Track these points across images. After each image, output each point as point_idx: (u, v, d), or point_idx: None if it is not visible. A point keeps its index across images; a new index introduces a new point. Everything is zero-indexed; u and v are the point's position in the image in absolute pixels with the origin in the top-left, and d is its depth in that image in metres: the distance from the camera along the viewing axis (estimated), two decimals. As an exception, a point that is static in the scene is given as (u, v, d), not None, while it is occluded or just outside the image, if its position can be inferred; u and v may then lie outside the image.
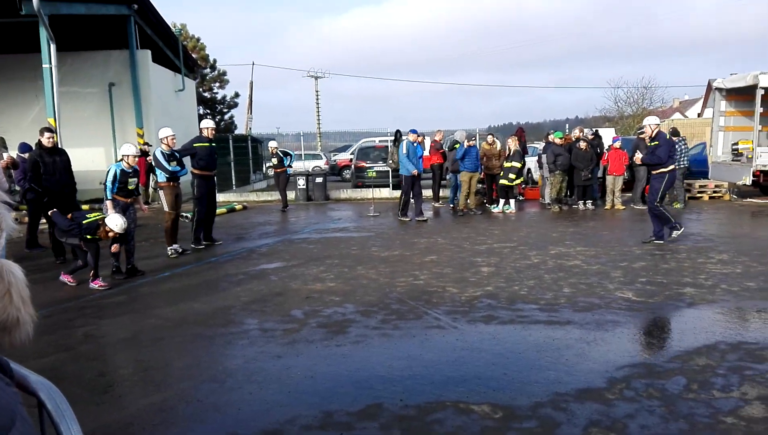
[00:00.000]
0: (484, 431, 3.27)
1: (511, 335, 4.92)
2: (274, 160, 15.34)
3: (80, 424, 1.27)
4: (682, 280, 6.60)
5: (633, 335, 4.81)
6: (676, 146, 13.48)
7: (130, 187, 7.69)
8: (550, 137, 14.18)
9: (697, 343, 4.57)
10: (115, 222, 6.85)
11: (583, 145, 13.35)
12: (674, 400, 3.58)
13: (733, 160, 15.30)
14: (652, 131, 8.94)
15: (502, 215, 12.96)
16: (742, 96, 15.06)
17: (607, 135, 16.89)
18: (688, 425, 3.26)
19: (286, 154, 15.67)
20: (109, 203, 7.50)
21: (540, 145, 17.36)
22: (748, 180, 14.05)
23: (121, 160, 7.70)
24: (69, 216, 7.07)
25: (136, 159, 7.88)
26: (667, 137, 9.04)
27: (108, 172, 7.61)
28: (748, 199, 14.80)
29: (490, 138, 14.46)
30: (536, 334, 4.90)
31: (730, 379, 3.88)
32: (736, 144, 15.28)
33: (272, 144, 15.74)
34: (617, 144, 13.63)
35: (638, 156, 9.64)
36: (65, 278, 7.21)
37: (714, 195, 15.27)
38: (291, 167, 16.06)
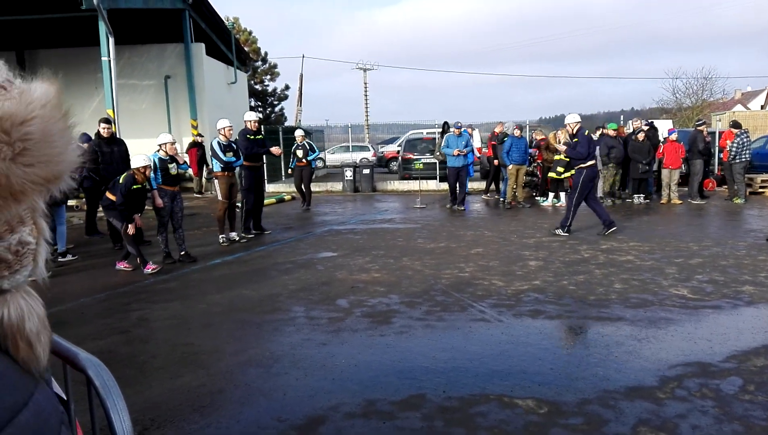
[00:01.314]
0: (528, 426, 3.22)
1: (559, 330, 4.82)
2: (300, 152, 13.84)
3: (133, 404, 1.32)
4: (741, 277, 6.32)
5: (687, 334, 4.64)
6: (738, 139, 12.91)
7: (172, 173, 7.88)
8: (603, 129, 13.79)
9: (755, 344, 4.37)
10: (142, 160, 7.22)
11: (640, 136, 12.92)
12: (729, 401, 3.43)
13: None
14: (572, 129, 9.30)
15: (551, 209, 12.71)
16: (811, 86, 14.25)
17: (663, 127, 16.29)
18: (743, 427, 3.13)
19: (312, 148, 14.20)
20: (155, 193, 7.71)
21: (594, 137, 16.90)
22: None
23: (158, 150, 7.87)
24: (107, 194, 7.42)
25: (174, 146, 8.05)
26: (586, 133, 9.31)
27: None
28: (816, 195, 14.03)
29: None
30: (585, 330, 4.80)
31: (791, 381, 3.70)
32: (804, 136, 14.50)
33: (299, 133, 14.24)
34: (674, 136, 13.14)
35: (561, 147, 10.07)
36: (120, 265, 7.49)
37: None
38: (316, 163, 15.33)
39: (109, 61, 13.28)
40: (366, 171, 18.05)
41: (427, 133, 20.98)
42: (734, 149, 13.02)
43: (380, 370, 4.09)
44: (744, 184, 13.26)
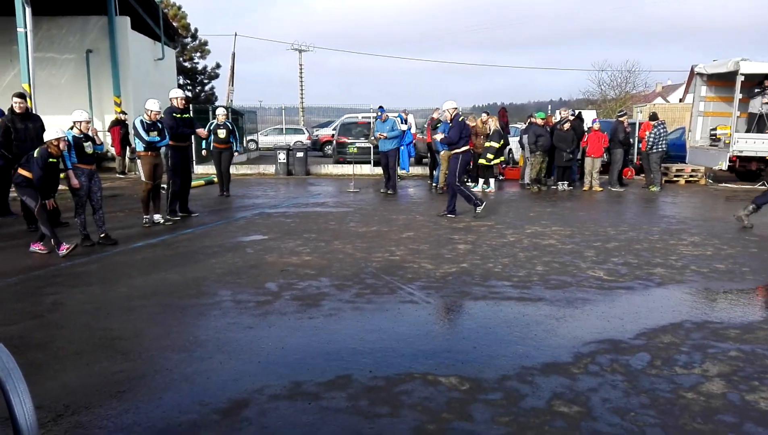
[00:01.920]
0: (451, 402, 3.31)
1: (483, 311, 4.96)
2: (221, 133, 12.49)
3: (46, 390, 1.26)
4: (653, 260, 6.71)
5: (601, 313, 4.89)
6: (656, 130, 13.62)
7: (87, 152, 7.49)
8: (532, 118, 14.22)
9: (663, 322, 4.66)
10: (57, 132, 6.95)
11: (566, 126, 13.40)
12: (637, 376, 3.65)
13: (710, 145, 15.52)
14: (451, 115, 9.81)
15: (481, 194, 13.01)
16: (722, 82, 15.22)
17: (589, 117, 16.98)
18: (649, 399, 3.33)
19: (234, 131, 12.98)
20: (70, 173, 7.33)
21: (522, 126, 17.41)
22: (724, 165, 14.28)
23: (72, 127, 7.45)
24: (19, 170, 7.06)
25: (89, 124, 7.66)
26: (460, 120, 9.83)
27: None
28: (724, 184, 15.05)
29: (484, 116, 14.45)
30: (507, 310, 4.96)
31: (693, 356, 3.97)
32: (715, 129, 15.49)
33: (221, 111, 12.87)
34: (596, 126, 13.71)
35: (438, 136, 10.63)
36: (35, 247, 7.11)
37: (690, 179, 15.49)
38: (238, 152, 14.50)
39: (26, 32, 12.46)
40: (300, 154, 17.86)
41: (363, 117, 20.97)
42: (651, 140, 13.75)
43: (308, 352, 4.08)
44: (660, 173, 14.03)
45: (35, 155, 6.90)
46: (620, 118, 14.37)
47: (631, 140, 15.56)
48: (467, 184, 9.83)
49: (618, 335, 4.36)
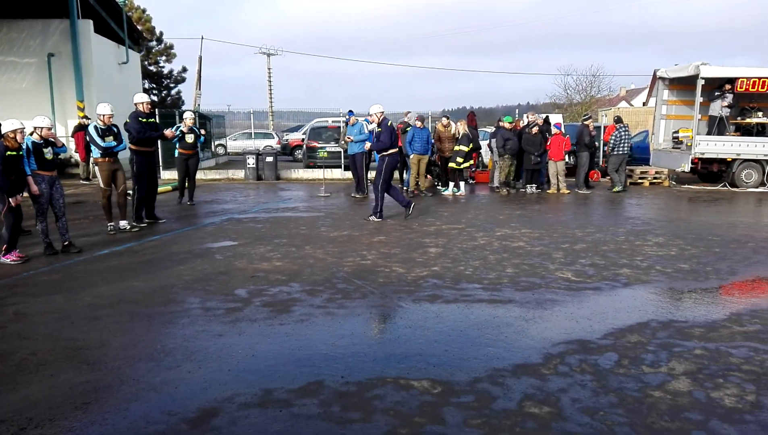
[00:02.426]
0: (423, 406, 3.31)
1: (454, 314, 4.98)
2: (190, 139, 11.78)
3: (8, 403, 1.21)
4: (620, 261, 6.83)
5: (570, 313, 4.95)
6: (617, 132, 13.92)
7: (47, 157, 7.27)
8: (500, 122, 14.38)
9: (630, 321, 4.74)
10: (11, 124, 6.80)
11: (534, 130, 13.58)
12: (605, 375, 3.71)
13: (673, 148, 15.93)
14: (378, 119, 9.94)
15: (451, 198, 13.09)
16: (683, 85, 15.64)
17: (555, 121, 17.25)
18: (617, 398, 3.39)
19: (198, 135, 12.14)
20: (29, 179, 7.13)
21: (491, 130, 17.59)
22: (687, 167, 14.66)
23: (32, 133, 7.22)
24: None
25: (51, 130, 7.45)
26: (389, 124, 10.03)
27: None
28: (686, 186, 15.44)
29: (444, 120, 14.54)
30: (478, 313, 4.99)
31: (659, 355, 4.05)
32: (677, 132, 15.90)
33: (189, 115, 12.16)
34: (555, 130, 13.92)
35: (368, 144, 10.73)
36: (6, 259, 6.86)
37: (654, 181, 15.85)
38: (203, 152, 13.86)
39: (-18, 34, 12.09)
40: (269, 159, 17.72)
41: (332, 121, 20.91)
42: (612, 141, 14.05)
43: (278, 359, 4.04)
44: (624, 175, 14.33)
45: (23, 146, 6.71)
46: (585, 122, 14.64)
47: (596, 143, 15.86)
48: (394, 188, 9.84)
49: (586, 335, 4.43)
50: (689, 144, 14.86)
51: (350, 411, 3.27)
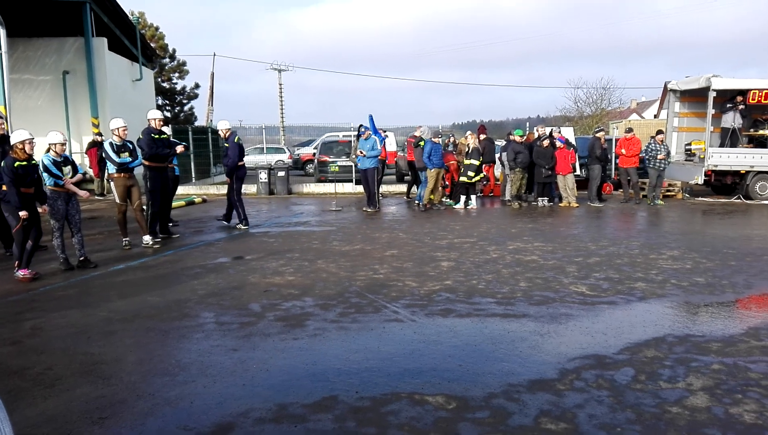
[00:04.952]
0: (438, 422, 3.29)
1: (468, 328, 4.97)
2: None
3: (26, 417, 1.23)
4: (634, 275, 6.78)
5: (585, 328, 4.92)
6: (651, 146, 13.89)
7: (65, 176, 7.39)
8: (511, 135, 14.39)
9: (646, 336, 4.70)
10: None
11: (545, 143, 13.57)
12: (622, 391, 3.67)
13: (686, 160, 15.82)
14: (225, 135, 10.28)
15: (463, 211, 13.08)
16: (695, 98, 15.57)
17: (567, 134, 17.24)
18: (635, 414, 3.35)
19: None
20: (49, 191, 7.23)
21: (501, 143, 17.61)
22: (700, 179, 14.55)
23: (48, 150, 7.33)
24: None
25: (64, 146, 7.56)
26: (236, 140, 10.25)
27: (38, 165, 7.19)
28: (700, 198, 15.31)
29: (468, 133, 14.59)
30: (492, 327, 4.97)
31: (676, 370, 4.01)
32: (689, 144, 15.80)
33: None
34: (559, 144, 13.90)
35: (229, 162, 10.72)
36: (21, 273, 6.92)
37: (668, 194, 15.73)
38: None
39: (1, 54, 12.32)
40: (281, 173, 17.82)
41: (343, 135, 21.03)
42: (647, 155, 14.03)
43: (293, 373, 4.04)
44: (655, 188, 14.22)
45: (2, 165, 6.76)
46: (597, 135, 14.61)
47: (608, 156, 15.81)
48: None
49: (602, 350, 4.39)
50: (702, 156, 14.76)
51: (365, 426, 3.26)
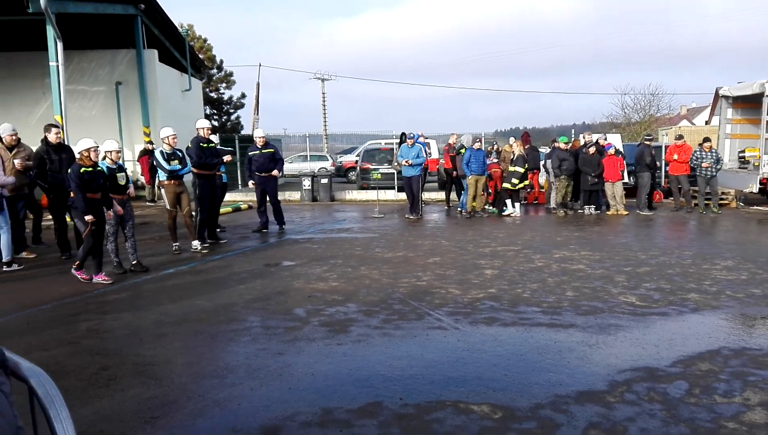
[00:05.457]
0: (483, 431, 3.26)
1: (513, 337, 4.90)
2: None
3: (82, 416, 1.28)
4: (687, 285, 6.57)
5: (635, 339, 4.79)
6: (697, 154, 13.46)
7: (120, 183, 7.65)
8: (555, 142, 14.19)
9: (700, 349, 4.54)
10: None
11: (591, 150, 13.32)
12: (675, 405, 3.56)
13: (739, 168, 15.26)
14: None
15: (507, 219, 12.94)
16: (748, 104, 15.02)
17: (614, 141, 16.86)
18: (689, 429, 3.24)
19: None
20: (113, 198, 7.49)
21: (546, 150, 17.35)
22: (755, 187, 13.99)
23: (105, 157, 7.61)
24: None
25: (119, 154, 7.81)
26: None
27: (103, 171, 7.47)
28: (755, 207, 14.72)
29: (512, 140, 14.48)
30: (538, 337, 4.89)
31: (732, 384, 3.86)
32: (743, 152, 15.24)
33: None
34: (611, 151, 13.58)
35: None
36: (98, 278, 7.14)
37: (721, 202, 15.18)
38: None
39: (58, 66, 12.87)
40: (324, 180, 18.02)
41: (385, 143, 21.12)
42: (692, 163, 13.57)
43: (337, 378, 4.07)
44: (699, 196, 13.78)
45: (69, 172, 7.06)
46: (646, 142, 14.24)
47: (657, 163, 15.39)
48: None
49: (654, 363, 4.26)
50: (756, 164, 14.20)
51: (410, 433, 3.25)
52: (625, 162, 14.68)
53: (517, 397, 3.69)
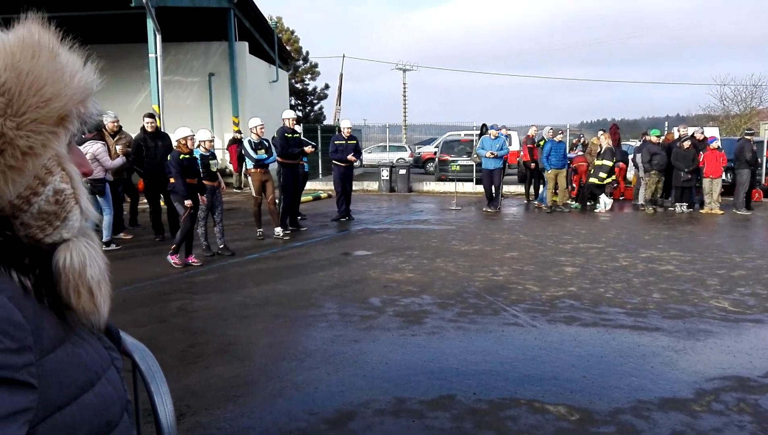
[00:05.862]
0: (559, 432, 3.20)
1: (593, 338, 4.76)
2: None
3: (171, 390, 1.36)
4: (788, 292, 6.12)
5: (726, 347, 4.52)
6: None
7: (212, 170, 8.02)
8: (647, 136, 13.51)
9: (800, 361, 4.23)
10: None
11: (686, 144, 12.60)
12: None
13: None
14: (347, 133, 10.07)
15: (590, 215, 12.50)
16: None
17: (711, 135, 15.86)
18: (784, 446, 3.04)
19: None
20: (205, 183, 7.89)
21: (635, 144, 16.57)
22: None
23: (199, 145, 7.96)
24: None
25: (212, 143, 8.17)
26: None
27: (198, 159, 7.87)
28: None
29: (600, 133, 13.95)
30: (620, 339, 4.72)
31: (836, 401, 3.57)
32: None
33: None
34: (714, 144, 12.74)
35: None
36: (189, 260, 7.54)
37: (831, 203, 13.97)
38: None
39: (156, 57, 13.62)
40: (402, 171, 18.08)
41: (465, 135, 20.90)
42: None
43: (411, 369, 4.11)
44: None
45: (168, 159, 7.49)
46: (747, 136, 13.30)
47: (758, 160, 14.34)
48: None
49: (745, 372, 4.02)
50: None
51: (483, 429, 3.24)
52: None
53: (596, 400, 3.59)
